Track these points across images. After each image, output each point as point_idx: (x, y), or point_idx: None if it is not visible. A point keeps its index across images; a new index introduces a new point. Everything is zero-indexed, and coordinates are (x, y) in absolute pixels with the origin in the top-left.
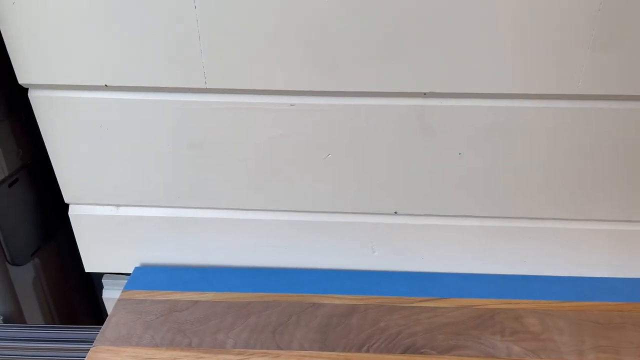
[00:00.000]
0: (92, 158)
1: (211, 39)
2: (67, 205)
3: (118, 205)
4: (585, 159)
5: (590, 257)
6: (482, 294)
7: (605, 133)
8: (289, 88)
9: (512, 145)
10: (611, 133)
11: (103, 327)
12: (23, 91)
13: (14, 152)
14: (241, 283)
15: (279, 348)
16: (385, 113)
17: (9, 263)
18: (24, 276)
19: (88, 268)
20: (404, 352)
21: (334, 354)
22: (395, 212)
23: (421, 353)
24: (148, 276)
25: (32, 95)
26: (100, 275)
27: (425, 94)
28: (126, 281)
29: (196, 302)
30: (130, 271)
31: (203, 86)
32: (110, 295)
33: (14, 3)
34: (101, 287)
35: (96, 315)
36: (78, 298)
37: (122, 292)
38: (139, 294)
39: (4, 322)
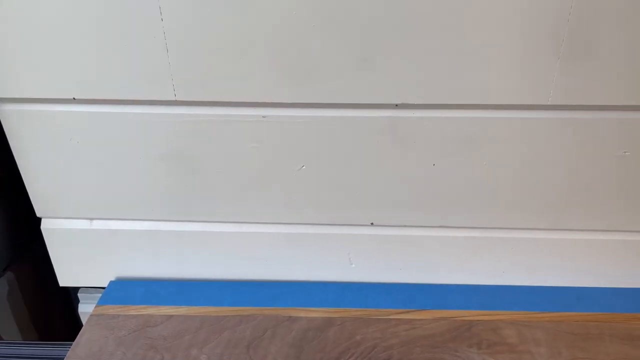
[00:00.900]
0: (63, 171)
1: (179, 51)
2: (39, 219)
3: (92, 219)
4: (560, 169)
5: (567, 267)
6: (460, 305)
7: (579, 143)
8: (260, 100)
9: (486, 155)
10: (585, 143)
11: (74, 344)
12: None
13: None
14: (216, 296)
15: None
16: (358, 124)
17: None
18: None
19: (62, 282)
20: None
21: None
22: (372, 224)
23: None
24: (122, 290)
25: (1, 109)
26: (77, 289)
27: (397, 105)
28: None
29: (170, 316)
30: (105, 285)
31: (172, 98)
32: (87, 309)
33: None
34: (78, 301)
35: (76, 329)
36: (56, 312)
37: (95, 307)
38: (112, 309)
39: None
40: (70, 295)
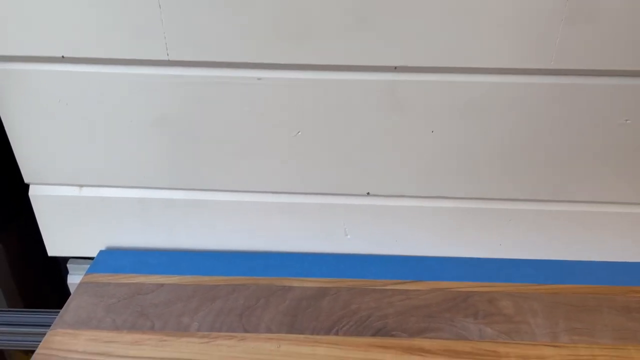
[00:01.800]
0: (52, 135)
1: (172, 7)
2: (27, 186)
3: (81, 186)
4: (560, 137)
5: (566, 240)
6: (456, 277)
7: (581, 109)
8: (256, 60)
9: (486, 122)
10: (586, 110)
11: (62, 310)
12: None
13: None
14: (209, 266)
15: (245, 331)
16: (355, 88)
17: None
18: None
19: (51, 252)
20: (374, 334)
21: (301, 337)
22: (368, 193)
23: (392, 335)
24: (113, 259)
25: None
26: (66, 260)
27: (396, 68)
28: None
29: (162, 285)
30: (95, 255)
31: (165, 58)
32: (76, 280)
33: None
34: (67, 272)
35: (61, 301)
36: (44, 283)
37: (84, 275)
38: (102, 277)
39: None
40: (60, 267)
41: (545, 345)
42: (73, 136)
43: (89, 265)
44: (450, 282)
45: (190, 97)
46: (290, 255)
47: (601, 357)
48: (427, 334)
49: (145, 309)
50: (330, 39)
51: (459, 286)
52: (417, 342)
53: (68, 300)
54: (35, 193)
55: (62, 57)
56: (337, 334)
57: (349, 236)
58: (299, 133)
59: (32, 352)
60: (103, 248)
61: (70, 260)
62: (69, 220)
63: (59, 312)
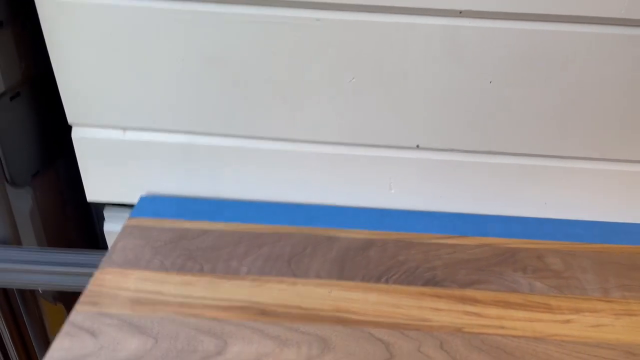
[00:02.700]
0: (99, 73)
1: None
2: (69, 128)
3: (125, 129)
4: (622, 93)
5: (612, 200)
6: (502, 233)
7: None
8: (317, 0)
9: (549, 74)
10: None
11: (109, 251)
12: None
13: (15, 64)
14: (253, 215)
15: (295, 276)
16: (416, 33)
17: (8, 183)
18: (21, 200)
19: (90, 197)
20: (424, 284)
21: (352, 283)
22: (417, 146)
23: (442, 286)
24: (155, 205)
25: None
26: (99, 208)
27: (461, 12)
28: (128, 214)
29: (206, 231)
30: (135, 202)
31: None
32: (112, 228)
33: None
34: (100, 219)
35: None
36: (74, 230)
37: (128, 219)
38: (146, 221)
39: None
40: (91, 214)
41: (597, 299)
42: (121, 74)
43: (125, 214)
44: (496, 238)
45: (244, 37)
46: (333, 208)
47: None
48: (478, 285)
49: (192, 253)
50: None
51: (506, 242)
52: (469, 292)
53: (114, 241)
54: (77, 135)
55: None
56: (387, 282)
57: (393, 190)
58: (354, 79)
59: (71, 294)
60: (143, 194)
61: (106, 207)
62: (111, 165)
63: (101, 253)
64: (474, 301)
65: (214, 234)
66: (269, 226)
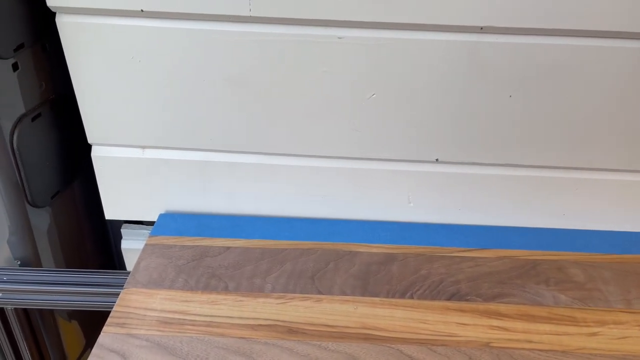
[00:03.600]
0: (120, 94)
1: None
2: (89, 147)
3: (144, 147)
4: None
5: (630, 211)
6: (521, 245)
7: None
8: (339, 18)
9: (567, 88)
10: None
11: (132, 270)
12: (50, 17)
13: (35, 85)
14: (272, 231)
15: (320, 293)
16: (437, 49)
17: (29, 204)
18: (40, 220)
19: (109, 215)
20: (449, 298)
21: (377, 299)
22: (437, 160)
23: (467, 300)
24: (175, 222)
25: (60, 21)
26: (115, 226)
27: (482, 28)
28: (146, 231)
29: (228, 248)
30: (153, 219)
31: (247, 14)
32: (129, 245)
33: None
34: (117, 237)
35: (107, 267)
36: (90, 248)
37: (148, 237)
38: (167, 240)
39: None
40: (107, 232)
41: (621, 311)
42: (142, 95)
43: (143, 231)
44: (516, 250)
45: (266, 55)
46: (352, 222)
47: None
48: (502, 299)
49: (215, 270)
50: None
51: (526, 254)
52: (493, 306)
53: (137, 260)
54: (97, 154)
55: (142, 10)
56: (412, 297)
57: (411, 204)
58: (374, 95)
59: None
60: (162, 212)
61: (124, 225)
62: (129, 183)
63: (122, 273)
64: (499, 315)
65: (235, 251)
66: (289, 242)
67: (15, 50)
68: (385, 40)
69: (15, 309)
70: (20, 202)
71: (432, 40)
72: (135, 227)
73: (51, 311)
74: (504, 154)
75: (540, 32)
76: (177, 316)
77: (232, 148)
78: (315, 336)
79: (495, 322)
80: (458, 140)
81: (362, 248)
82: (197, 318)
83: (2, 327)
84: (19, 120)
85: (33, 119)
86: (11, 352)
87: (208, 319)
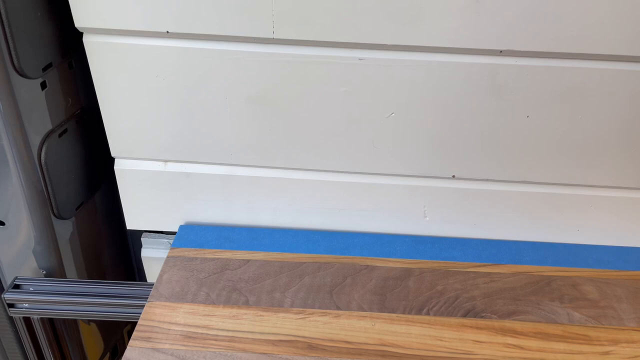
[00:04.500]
0: (143, 110)
1: None
2: (112, 160)
3: (166, 161)
4: None
5: None
6: (535, 261)
7: None
8: (360, 41)
9: (584, 109)
10: None
11: (155, 283)
12: (77, 36)
13: (62, 102)
14: (291, 244)
15: (338, 308)
16: (457, 71)
17: (55, 216)
18: (64, 230)
19: (130, 225)
20: (464, 315)
21: (394, 315)
22: (453, 176)
23: (482, 317)
24: (195, 234)
25: (87, 41)
26: (135, 235)
27: (501, 51)
28: (166, 240)
29: (248, 261)
30: (174, 230)
31: (270, 36)
32: (149, 254)
33: None
34: (136, 246)
35: (126, 274)
36: (109, 257)
37: (170, 249)
38: (188, 252)
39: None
40: (127, 241)
41: (634, 329)
42: (165, 112)
43: (163, 240)
44: (531, 265)
45: (288, 75)
46: (369, 235)
47: None
48: (517, 316)
49: (236, 284)
50: (440, 20)
51: (540, 270)
52: (508, 324)
53: (160, 273)
54: (120, 167)
55: (167, 32)
56: (428, 313)
57: (427, 218)
58: (392, 114)
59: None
60: (182, 223)
61: (144, 234)
62: (151, 195)
63: (145, 285)
64: (514, 333)
65: (255, 264)
66: (308, 255)
67: (44, 69)
68: (404, 62)
69: (41, 318)
70: (46, 213)
71: (452, 63)
72: (155, 236)
73: (74, 318)
74: (520, 171)
75: (557, 55)
76: (200, 330)
77: (252, 163)
78: (335, 352)
79: (510, 340)
80: (474, 157)
81: (379, 262)
82: (220, 333)
83: (27, 335)
84: (47, 136)
85: (60, 135)
86: (36, 358)
87: (230, 334)
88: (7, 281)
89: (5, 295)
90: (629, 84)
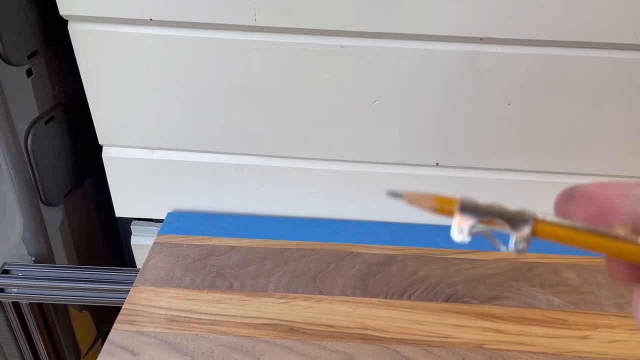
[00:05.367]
0: (130, 98)
1: None
2: (100, 148)
3: (153, 149)
4: (635, 117)
5: None
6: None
7: None
8: (342, 28)
9: (566, 97)
10: None
11: (141, 268)
12: (62, 24)
13: (49, 89)
14: (277, 231)
15: (321, 293)
16: (438, 59)
17: (43, 203)
18: (53, 218)
19: (119, 213)
20: (445, 300)
21: (375, 300)
22: (437, 164)
23: (463, 302)
24: (182, 221)
25: (72, 29)
26: (125, 223)
27: (481, 39)
28: (155, 228)
29: (233, 247)
30: (162, 217)
31: (252, 23)
32: (139, 242)
33: None
34: (127, 233)
35: (118, 262)
36: (100, 244)
37: (157, 236)
38: (175, 238)
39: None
40: (117, 228)
41: (613, 315)
42: (151, 99)
43: (152, 227)
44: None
45: (271, 64)
46: (353, 223)
47: None
48: (497, 301)
49: (221, 270)
50: (421, 8)
51: (523, 256)
52: (488, 308)
53: (146, 259)
54: (108, 155)
55: (150, 20)
56: (409, 298)
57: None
58: (375, 102)
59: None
60: (170, 210)
61: (133, 222)
62: (139, 183)
63: (131, 270)
64: (494, 317)
65: (240, 250)
66: (293, 242)
67: (29, 57)
68: (386, 50)
69: (29, 303)
70: (35, 201)
71: (432, 50)
72: (144, 223)
73: (64, 304)
74: (502, 159)
75: (539, 43)
76: (184, 314)
77: (238, 150)
78: (316, 336)
79: (489, 324)
80: (457, 145)
81: (363, 249)
82: (203, 316)
83: (17, 320)
84: (33, 123)
85: (46, 122)
86: (26, 344)
87: (213, 317)
88: None
89: None
90: (613, 72)
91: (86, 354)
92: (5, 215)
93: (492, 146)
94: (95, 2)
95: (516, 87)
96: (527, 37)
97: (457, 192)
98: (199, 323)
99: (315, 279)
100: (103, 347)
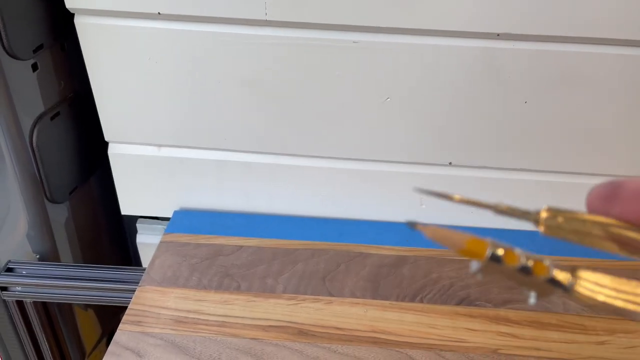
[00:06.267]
0: (137, 94)
1: None
2: (106, 144)
3: (160, 146)
4: None
5: None
6: (532, 249)
7: None
8: (354, 23)
9: (584, 95)
10: None
11: (147, 268)
12: (68, 18)
13: (55, 84)
14: (286, 230)
15: (330, 295)
16: (453, 55)
17: (48, 200)
18: (59, 215)
19: (124, 210)
20: (458, 303)
21: (387, 303)
22: (450, 163)
23: (476, 305)
24: (189, 220)
25: (79, 22)
26: (130, 221)
27: (498, 35)
28: (161, 226)
29: (241, 247)
30: (168, 215)
31: (262, 18)
32: (144, 240)
33: None
34: (132, 231)
35: (123, 260)
36: (106, 242)
37: (163, 234)
38: (181, 237)
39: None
40: (123, 226)
41: (631, 320)
42: (158, 95)
43: (158, 226)
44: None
45: (282, 59)
46: (364, 223)
47: None
48: (511, 304)
49: (228, 270)
50: (436, 3)
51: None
52: (503, 312)
53: (152, 258)
54: (114, 151)
55: (159, 13)
56: (422, 301)
57: (424, 206)
58: (388, 99)
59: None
60: (177, 209)
61: (139, 220)
62: (145, 180)
63: (137, 269)
64: (508, 321)
65: (248, 250)
66: (302, 242)
67: (35, 51)
68: (400, 45)
69: (33, 302)
70: (40, 197)
71: (447, 46)
72: (150, 222)
73: (69, 303)
74: (518, 159)
75: (556, 39)
76: (191, 315)
77: (246, 148)
78: (325, 338)
79: (504, 329)
80: (472, 144)
81: (373, 250)
82: (211, 318)
83: (21, 319)
84: (39, 118)
85: (52, 118)
86: (30, 343)
87: (221, 319)
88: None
89: None
90: (634, 70)
91: (90, 353)
92: (9, 212)
93: (507, 145)
94: None
95: (533, 84)
96: (546, 33)
97: (471, 192)
98: (206, 324)
99: (324, 280)
100: (108, 349)
